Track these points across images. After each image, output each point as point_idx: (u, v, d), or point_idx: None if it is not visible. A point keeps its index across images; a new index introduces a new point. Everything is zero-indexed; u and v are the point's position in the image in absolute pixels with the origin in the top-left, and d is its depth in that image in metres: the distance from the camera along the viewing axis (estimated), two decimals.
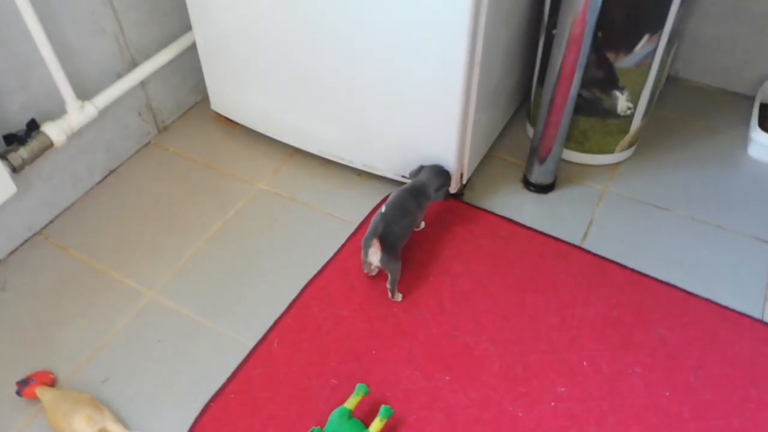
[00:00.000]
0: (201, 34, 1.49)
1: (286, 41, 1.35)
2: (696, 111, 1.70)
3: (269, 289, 1.29)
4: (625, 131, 1.48)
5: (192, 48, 1.58)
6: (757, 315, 1.23)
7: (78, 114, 1.35)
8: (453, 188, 1.42)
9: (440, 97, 1.26)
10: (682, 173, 1.53)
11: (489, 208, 1.44)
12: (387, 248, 1.18)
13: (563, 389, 1.12)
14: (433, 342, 1.19)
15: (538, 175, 1.46)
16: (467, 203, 1.46)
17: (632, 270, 1.31)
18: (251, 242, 1.38)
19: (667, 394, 1.11)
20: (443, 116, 1.29)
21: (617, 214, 1.43)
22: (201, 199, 1.48)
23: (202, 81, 1.62)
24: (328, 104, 1.41)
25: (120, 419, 1.09)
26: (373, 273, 1.28)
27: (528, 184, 1.49)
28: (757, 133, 1.54)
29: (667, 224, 1.41)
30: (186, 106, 1.72)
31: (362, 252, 1.22)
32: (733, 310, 1.23)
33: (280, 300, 1.26)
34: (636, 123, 1.47)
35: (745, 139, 1.62)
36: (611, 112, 1.43)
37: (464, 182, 1.44)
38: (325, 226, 1.41)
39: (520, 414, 1.08)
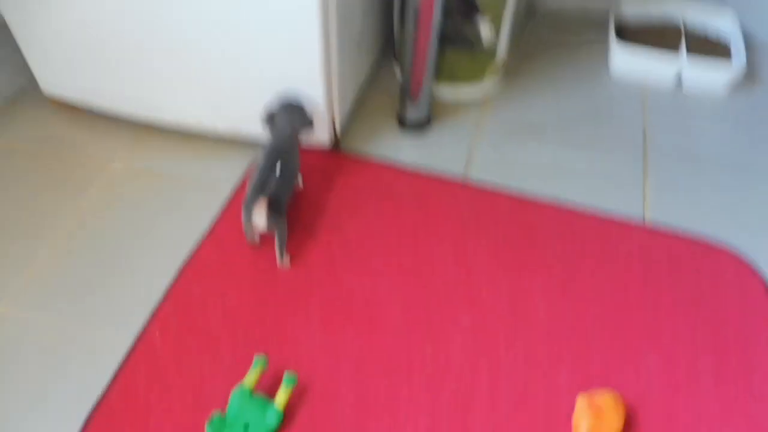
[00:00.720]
0: (9, 12, 1.29)
1: (109, 2, 1.19)
2: (559, 36, 1.73)
3: (142, 278, 1.15)
4: (493, 56, 1.46)
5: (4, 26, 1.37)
6: (638, 218, 1.26)
7: None
8: (326, 140, 1.34)
9: (298, 43, 1.17)
10: (551, 96, 1.54)
11: (368, 156, 1.38)
12: (272, 206, 1.08)
13: (467, 320, 1.09)
14: (330, 299, 1.12)
15: (413, 114, 1.41)
16: (345, 153, 1.39)
17: (516, 194, 1.30)
18: (114, 229, 1.23)
19: (568, 305, 1.11)
20: (305, 63, 1.20)
21: (494, 144, 1.42)
22: (48, 194, 1.30)
23: (25, 63, 1.42)
24: (175, 69, 1.27)
25: None
26: (257, 241, 1.18)
27: (403, 125, 1.44)
28: (617, 45, 1.58)
29: (542, 147, 1.42)
30: (10, 94, 1.51)
31: (243, 217, 1.11)
32: (615, 217, 1.26)
33: (156, 287, 1.14)
34: (501, 52, 1.45)
35: (606, 53, 1.66)
36: (475, 43, 1.40)
37: (337, 132, 1.36)
38: (194, 199, 1.29)
39: (428, 352, 1.04)
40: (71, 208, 1.27)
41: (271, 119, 1.23)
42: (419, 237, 1.22)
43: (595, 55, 1.67)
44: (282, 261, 1.14)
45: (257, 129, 1.31)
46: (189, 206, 1.28)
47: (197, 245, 1.20)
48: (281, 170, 1.15)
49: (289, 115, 1.22)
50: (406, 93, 1.38)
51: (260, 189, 1.10)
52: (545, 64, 1.63)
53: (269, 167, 1.14)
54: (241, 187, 1.30)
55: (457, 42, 1.40)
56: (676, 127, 1.47)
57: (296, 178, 1.22)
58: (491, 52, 1.44)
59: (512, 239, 1.22)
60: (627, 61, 1.58)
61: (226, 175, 1.34)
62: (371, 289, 1.13)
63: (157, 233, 1.23)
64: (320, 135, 1.33)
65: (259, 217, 1.08)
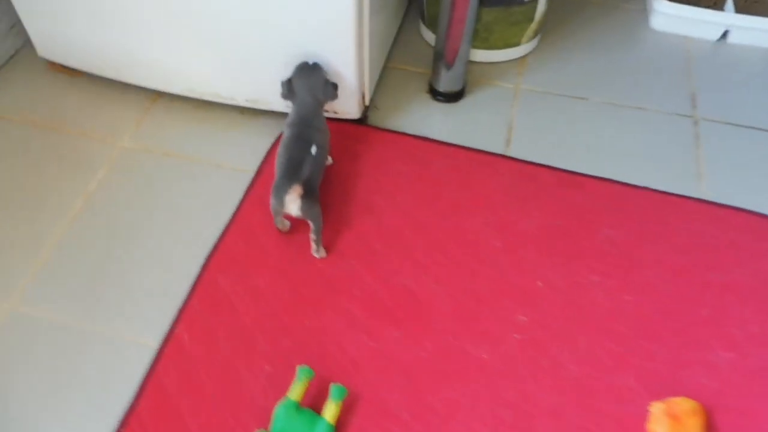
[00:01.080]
0: None
1: None
2: None
3: (162, 272, 1.05)
4: (531, 18, 1.33)
5: None
6: (695, 194, 1.17)
7: None
8: (356, 111, 1.22)
9: (330, 2, 1.04)
10: (590, 57, 1.43)
11: (399, 129, 1.27)
12: (306, 192, 0.98)
13: (523, 317, 1.01)
14: (372, 294, 1.03)
15: (447, 83, 1.29)
16: (374, 127, 1.27)
17: (563, 170, 1.20)
18: (126, 216, 1.12)
19: (629, 297, 1.03)
20: (336, 24, 1.07)
21: (535, 112, 1.31)
22: (51, 171, 1.18)
23: (18, 21, 1.27)
24: (192, 29, 1.14)
25: None
26: (287, 227, 1.08)
27: (436, 94, 1.32)
28: (659, 3, 1.45)
29: (586, 114, 1.31)
30: (3, 57, 1.36)
31: (273, 203, 1.01)
32: (672, 194, 1.17)
33: (179, 282, 1.04)
34: (541, 8, 1.32)
35: (644, 12, 1.53)
36: None
37: (367, 103, 1.24)
38: (214, 180, 1.18)
39: (484, 356, 0.96)
40: (77, 190, 1.15)
41: (289, 88, 1.10)
42: (462, 221, 1.12)
43: (633, 13, 1.54)
44: (318, 252, 1.05)
45: (277, 100, 1.19)
46: (209, 188, 1.16)
47: (221, 234, 1.09)
48: (316, 150, 1.04)
49: (310, 83, 1.10)
50: (441, 59, 1.25)
51: (292, 171, 0.99)
52: (580, 24, 1.50)
53: (299, 146, 1.03)
54: (266, 164, 1.19)
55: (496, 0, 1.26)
56: (724, 89, 1.37)
57: (327, 157, 1.10)
58: (530, 8, 1.30)
59: (562, 221, 1.13)
60: (669, 19, 1.46)
61: (249, 152, 1.22)
62: (415, 283, 1.04)
63: (174, 221, 1.12)
64: (348, 106, 1.21)
65: (293, 205, 0.98)
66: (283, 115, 1.15)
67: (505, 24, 1.31)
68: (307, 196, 0.98)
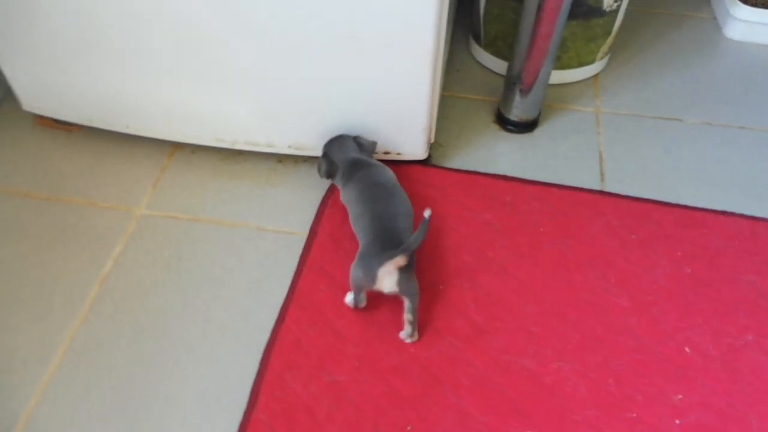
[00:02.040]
0: None
1: None
2: (656, 2, 1.43)
3: (211, 373, 0.82)
4: (609, 32, 1.15)
5: None
6: None
7: None
8: (422, 151, 1.02)
9: (408, 26, 0.84)
10: (668, 73, 1.25)
11: (467, 167, 1.06)
12: (409, 263, 0.77)
13: (679, 396, 0.80)
14: (484, 381, 0.80)
15: (522, 111, 1.09)
16: (440, 167, 1.06)
17: (678, 206, 1.01)
18: (154, 303, 0.88)
19: None
20: (413, 52, 0.87)
21: (625, 138, 1.12)
22: (54, 255, 0.94)
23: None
24: (220, 66, 0.92)
25: None
26: (363, 304, 0.86)
27: (506, 124, 1.12)
28: (736, 9, 1.28)
29: (684, 137, 1.12)
30: None
31: (358, 276, 0.80)
32: None
33: (235, 386, 0.80)
34: (619, 19, 1.14)
35: (716, 21, 1.37)
36: (596, 9, 1.09)
37: (432, 140, 1.04)
38: (260, 248, 0.95)
39: None
40: (90, 276, 0.91)
41: (329, 161, 0.94)
42: (573, 276, 0.91)
43: (704, 22, 1.38)
44: (412, 336, 0.82)
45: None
46: (254, 259, 0.93)
47: (279, 317, 0.86)
48: (398, 206, 0.83)
49: (348, 143, 0.94)
50: (516, 83, 1.06)
51: (386, 235, 0.78)
52: (649, 39, 1.33)
53: (380, 195, 0.82)
54: (319, 223, 0.97)
55: (575, 12, 1.08)
56: None
57: (411, 214, 0.89)
58: (609, 20, 1.12)
59: (694, 268, 0.92)
60: (748, 27, 1.29)
61: (296, 209, 1.00)
62: (536, 362, 0.82)
63: (217, 303, 0.88)
64: (414, 145, 1.01)
65: (389, 279, 0.76)
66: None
67: (583, 40, 1.13)
68: (408, 267, 0.76)
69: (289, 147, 1.02)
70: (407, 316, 0.80)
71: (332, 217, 0.98)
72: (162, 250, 0.94)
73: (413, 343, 0.83)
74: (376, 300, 0.87)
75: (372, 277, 0.77)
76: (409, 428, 0.76)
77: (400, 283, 0.76)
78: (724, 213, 1.00)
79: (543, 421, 0.77)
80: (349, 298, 0.86)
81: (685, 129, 1.13)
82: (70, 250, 0.94)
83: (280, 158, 1.07)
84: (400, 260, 0.75)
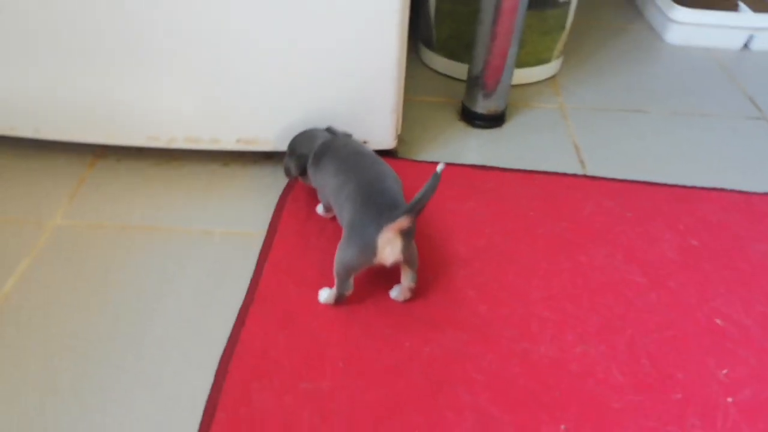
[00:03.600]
0: None
1: None
2: (592, 15, 1.44)
3: (148, 399, 0.62)
4: (563, 26, 1.11)
5: None
6: None
7: None
8: (390, 140, 0.90)
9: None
10: (622, 75, 1.22)
11: (443, 159, 0.96)
12: (411, 226, 0.63)
13: (724, 371, 0.68)
14: (501, 376, 0.65)
15: (489, 103, 1.01)
16: (411, 159, 0.95)
17: (667, 184, 0.93)
18: (70, 323, 0.69)
19: None
20: (379, 19, 0.78)
21: (596, 129, 1.05)
22: None
23: None
24: (156, 43, 0.79)
25: None
26: (349, 292, 0.69)
27: (474, 119, 1.03)
28: (675, 12, 1.30)
29: (655, 126, 1.07)
30: None
31: (354, 255, 0.65)
32: None
33: (182, 407, 0.61)
34: (572, 13, 1.11)
35: (653, 30, 1.39)
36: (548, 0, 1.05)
37: (399, 131, 0.93)
38: (205, 252, 0.78)
39: None
40: None
41: (297, 158, 0.80)
42: (577, 257, 0.80)
43: (641, 33, 1.39)
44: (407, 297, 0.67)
45: (278, 137, 0.85)
46: (201, 265, 0.76)
47: (237, 321, 0.69)
48: (387, 171, 0.70)
49: (317, 134, 0.81)
50: (478, 82, 0.98)
51: (381, 199, 0.65)
52: (594, 48, 1.32)
53: (364, 162, 0.70)
54: (280, 221, 0.81)
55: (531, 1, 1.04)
56: None
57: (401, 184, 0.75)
58: (563, 13, 1.09)
59: (701, 240, 0.83)
60: (687, 30, 1.31)
61: (248, 210, 0.84)
62: (555, 349, 0.68)
63: (158, 319, 0.70)
64: (381, 133, 0.89)
65: (392, 246, 0.61)
66: (278, 156, 0.82)
67: (538, 33, 1.09)
68: (411, 230, 0.63)
69: (238, 142, 0.88)
70: (409, 285, 0.67)
71: (295, 213, 0.83)
72: (83, 262, 0.76)
73: (411, 339, 0.67)
74: (358, 293, 0.71)
75: (371, 250, 0.62)
76: None
77: (405, 250, 0.62)
78: (714, 189, 0.93)
79: (577, 412, 0.63)
80: (324, 295, 0.70)
81: (653, 119, 1.09)
82: None
83: (225, 161, 0.92)
84: (404, 221, 0.61)
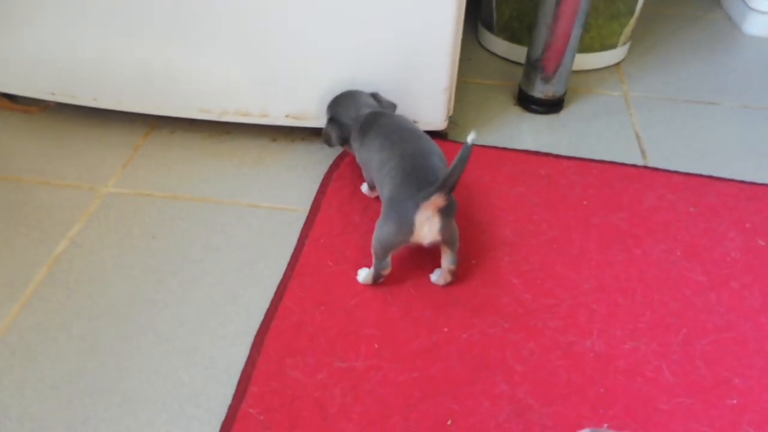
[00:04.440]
0: None
1: None
2: (665, 2, 1.37)
3: (185, 364, 0.63)
4: (632, 11, 1.06)
5: None
6: None
7: None
8: (441, 121, 0.88)
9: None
10: (692, 64, 1.15)
11: (496, 144, 0.93)
12: (449, 203, 0.61)
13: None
14: (543, 368, 0.63)
15: (548, 88, 0.97)
16: (461, 143, 0.92)
17: (735, 180, 0.87)
18: (116, 286, 0.70)
19: None
20: (438, 12, 0.76)
21: (661, 120, 1.00)
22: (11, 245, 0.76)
23: None
24: (211, 16, 0.79)
25: None
26: (387, 271, 0.68)
27: (530, 103, 1.00)
28: (758, 2, 1.22)
29: (723, 118, 1.01)
30: None
31: (390, 233, 0.63)
32: None
33: (217, 378, 0.61)
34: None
35: (730, 20, 1.30)
36: None
37: (450, 113, 0.91)
38: (251, 225, 0.78)
39: None
40: (38, 260, 0.73)
41: (338, 126, 0.77)
42: (632, 250, 0.75)
43: (718, 22, 1.31)
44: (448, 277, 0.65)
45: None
46: (244, 239, 0.77)
47: (275, 295, 0.68)
48: (431, 146, 0.69)
49: (361, 101, 0.78)
50: (537, 65, 0.95)
51: (421, 175, 0.63)
52: (665, 35, 1.25)
53: (405, 136, 0.68)
54: (324, 197, 0.81)
55: None
56: None
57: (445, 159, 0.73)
58: (633, 1, 1.04)
59: (766, 238, 0.78)
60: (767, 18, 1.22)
61: (293, 186, 0.84)
62: (604, 344, 0.65)
63: (200, 287, 0.71)
64: (433, 114, 0.87)
65: (430, 225, 0.60)
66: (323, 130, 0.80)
67: (605, 17, 1.03)
68: (449, 209, 0.61)
69: (287, 117, 0.87)
70: (449, 266, 0.64)
71: (340, 189, 0.82)
72: (131, 228, 0.77)
73: (451, 325, 0.65)
74: (396, 273, 0.70)
75: (408, 227, 0.60)
76: (449, 422, 0.58)
77: (443, 229, 0.60)
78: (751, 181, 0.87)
79: (622, 410, 0.59)
80: (363, 274, 0.69)
81: (724, 111, 1.02)
82: (14, 229, 0.76)
83: (274, 136, 0.92)
84: (439, 200, 0.59)
